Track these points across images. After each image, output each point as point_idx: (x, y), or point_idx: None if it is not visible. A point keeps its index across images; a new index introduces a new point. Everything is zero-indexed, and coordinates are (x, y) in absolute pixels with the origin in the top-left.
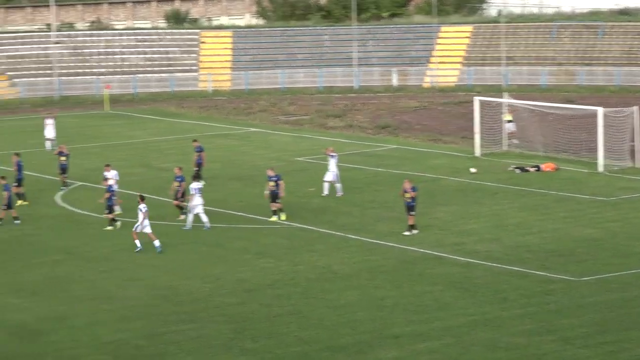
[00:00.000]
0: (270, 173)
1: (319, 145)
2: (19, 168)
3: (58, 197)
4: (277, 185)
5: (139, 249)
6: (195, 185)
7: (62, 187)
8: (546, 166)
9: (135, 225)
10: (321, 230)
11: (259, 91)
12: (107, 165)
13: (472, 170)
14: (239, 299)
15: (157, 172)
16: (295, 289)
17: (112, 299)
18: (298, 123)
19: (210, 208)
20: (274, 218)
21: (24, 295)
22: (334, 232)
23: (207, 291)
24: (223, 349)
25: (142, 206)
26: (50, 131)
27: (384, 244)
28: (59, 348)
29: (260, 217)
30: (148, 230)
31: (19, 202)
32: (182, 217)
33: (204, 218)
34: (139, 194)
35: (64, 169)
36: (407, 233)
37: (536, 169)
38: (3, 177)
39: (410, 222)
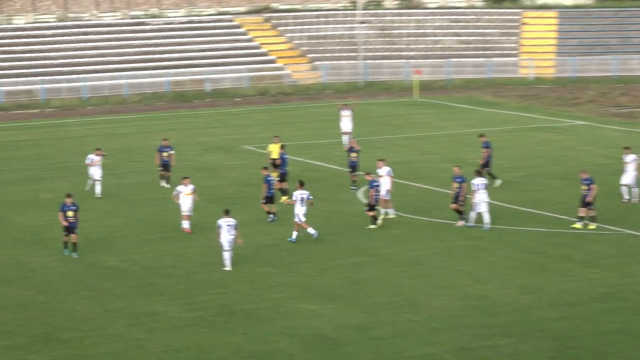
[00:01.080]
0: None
1: None
2: (283, 162)
3: (360, 193)
4: (588, 189)
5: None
6: (478, 181)
7: (351, 187)
8: None
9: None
10: None
11: (587, 79)
12: (381, 160)
13: None
14: (561, 313)
15: (471, 167)
16: (624, 304)
17: (418, 307)
18: (631, 116)
19: (528, 209)
20: (578, 225)
21: (321, 301)
22: None
23: (525, 303)
24: None
25: (299, 193)
26: (346, 124)
27: None
28: None
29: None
30: (301, 219)
31: (283, 198)
32: (461, 223)
33: (486, 218)
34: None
35: (353, 167)
36: None
37: None
38: (265, 168)
39: None
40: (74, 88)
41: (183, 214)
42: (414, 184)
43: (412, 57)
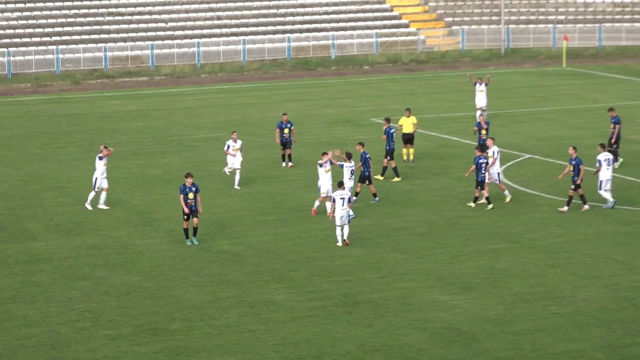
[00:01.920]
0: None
1: None
2: (390, 137)
3: (500, 172)
4: None
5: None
6: (603, 156)
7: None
8: None
9: None
10: None
11: None
12: (491, 139)
13: None
14: None
15: (624, 144)
16: None
17: (563, 300)
18: None
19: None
20: None
21: (455, 291)
22: None
23: None
24: None
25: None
26: (481, 99)
27: None
28: (496, 357)
29: None
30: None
31: (378, 176)
32: (586, 207)
33: (606, 195)
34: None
35: (482, 147)
36: None
37: None
38: (361, 144)
39: None
40: (186, 54)
41: (322, 195)
42: (560, 162)
43: (560, 22)
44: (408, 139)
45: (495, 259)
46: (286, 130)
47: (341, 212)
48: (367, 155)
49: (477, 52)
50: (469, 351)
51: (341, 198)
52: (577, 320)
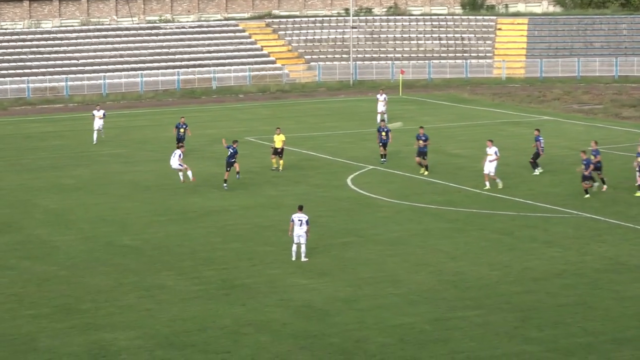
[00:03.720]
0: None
1: (612, 135)
2: (232, 154)
3: (349, 180)
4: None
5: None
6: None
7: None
8: None
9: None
10: (610, 220)
11: (553, 79)
12: (489, 140)
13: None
14: (526, 287)
15: (448, 157)
16: (582, 280)
17: (399, 282)
18: (591, 112)
19: (499, 195)
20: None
21: (312, 276)
22: (623, 223)
23: (494, 278)
24: (507, 337)
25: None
26: (380, 106)
27: None
28: (345, 329)
29: (549, 206)
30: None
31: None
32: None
33: None
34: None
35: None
36: None
37: None
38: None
39: None
40: (95, 85)
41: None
42: (397, 172)
43: (397, 59)
44: (278, 152)
45: (344, 250)
46: (182, 130)
47: (298, 231)
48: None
49: (331, 83)
50: (323, 324)
51: (299, 220)
52: (410, 299)
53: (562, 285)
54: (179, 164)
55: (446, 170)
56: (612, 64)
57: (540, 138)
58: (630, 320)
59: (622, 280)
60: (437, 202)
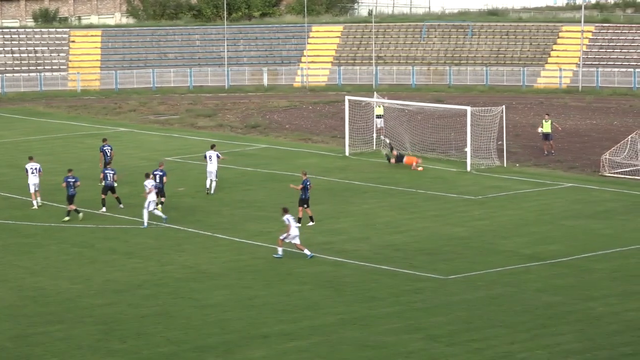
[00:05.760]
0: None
1: (188, 145)
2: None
3: None
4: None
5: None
6: (149, 182)
7: None
8: (409, 159)
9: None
10: (189, 230)
11: (129, 90)
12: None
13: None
14: (108, 299)
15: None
16: (163, 290)
17: None
18: (168, 123)
19: (80, 209)
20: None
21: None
22: (202, 232)
23: (76, 292)
24: (90, 350)
25: (286, 217)
26: None
27: (253, 244)
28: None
29: (128, 217)
30: (295, 241)
31: None
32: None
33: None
34: (282, 207)
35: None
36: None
37: (399, 157)
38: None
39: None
40: None
41: None
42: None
43: None
44: None
45: None
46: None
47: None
48: (309, 183)
49: None
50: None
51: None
52: None
53: (143, 296)
54: None
55: (23, 185)
56: (187, 74)
57: (108, 147)
58: (212, 327)
59: (203, 289)
60: (15, 218)
